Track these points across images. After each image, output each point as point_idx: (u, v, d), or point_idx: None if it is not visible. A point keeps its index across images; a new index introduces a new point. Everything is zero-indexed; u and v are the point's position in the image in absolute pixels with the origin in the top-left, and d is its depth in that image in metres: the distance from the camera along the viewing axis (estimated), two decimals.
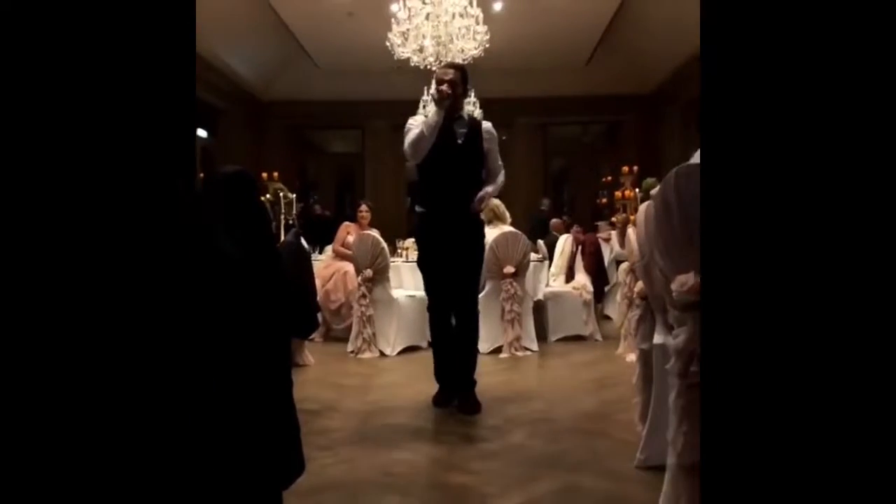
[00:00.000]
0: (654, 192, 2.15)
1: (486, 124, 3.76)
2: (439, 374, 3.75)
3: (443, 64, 3.99)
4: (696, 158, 1.95)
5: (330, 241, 6.47)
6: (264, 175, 8.77)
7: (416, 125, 3.55)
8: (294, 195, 8.70)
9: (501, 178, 3.73)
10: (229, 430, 1.58)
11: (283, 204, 8.22)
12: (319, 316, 5.57)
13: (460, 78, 3.61)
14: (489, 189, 3.62)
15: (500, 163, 3.73)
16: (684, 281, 1.75)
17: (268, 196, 8.04)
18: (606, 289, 7.08)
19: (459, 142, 3.57)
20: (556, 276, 6.31)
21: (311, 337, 5.34)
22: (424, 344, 5.51)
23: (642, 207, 2.57)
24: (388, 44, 6.82)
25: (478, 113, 8.36)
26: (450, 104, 3.50)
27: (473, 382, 3.63)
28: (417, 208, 3.72)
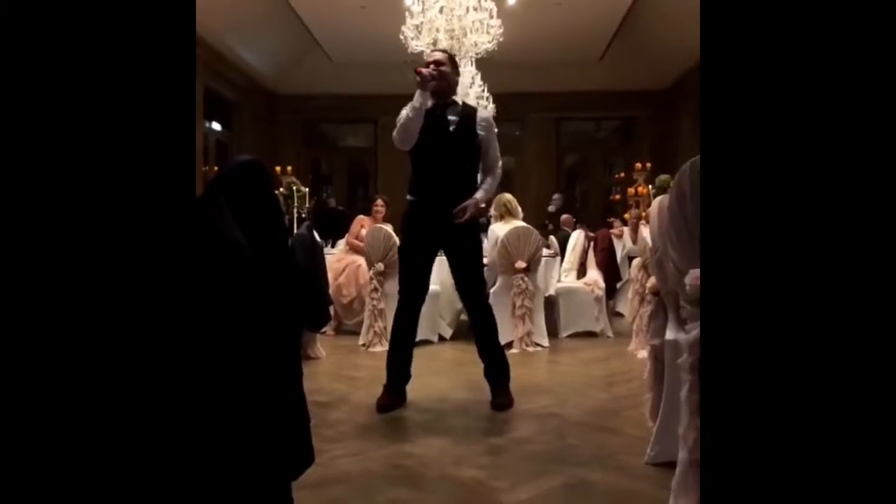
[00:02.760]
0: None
1: (484, 113, 3.59)
2: (393, 374, 3.50)
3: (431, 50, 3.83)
4: None
5: (342, 236, 6.48)
6: (277, 169, 8.79)
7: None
8: (307, 189, 8.72)
9: (498, 171, 3.55)
10: (238, 421, 1.59)
11: (296, 198, 8.23)
12: (331, 309, 5.58)
13: (448, 60, 3.46)
14: (478, 195, 3.42)
15: (497, 154, 3.54)
16: (698, 275, 1.74)
17: (281, 190, 8.07)
18: (618, 285, 7.03)
19: (451, 129, 3.42)
20: (567, 271, 6.29)
21: (322, 330, 5.35)
22: (435, 338, 5.53)
23: (655, 201, 2.55)
24: (401, 37, 6.81)
25: (490, 108, 8.32)
26: (437, 88, 3.35)
27: (507, 377, 3.55)
28: (408, 196, 3.54)
